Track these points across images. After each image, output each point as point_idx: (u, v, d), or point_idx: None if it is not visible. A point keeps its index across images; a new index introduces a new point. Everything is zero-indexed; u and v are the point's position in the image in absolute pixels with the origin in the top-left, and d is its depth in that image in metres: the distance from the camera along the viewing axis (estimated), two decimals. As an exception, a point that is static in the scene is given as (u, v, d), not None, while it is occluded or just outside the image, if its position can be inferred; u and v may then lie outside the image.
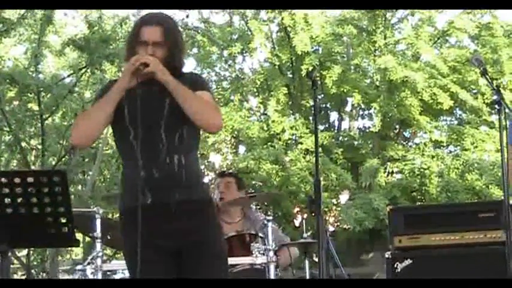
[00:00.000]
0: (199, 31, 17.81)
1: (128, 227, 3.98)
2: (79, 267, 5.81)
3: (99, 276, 5.60)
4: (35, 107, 14.49)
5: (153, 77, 3.91)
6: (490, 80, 4.64)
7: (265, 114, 17.20)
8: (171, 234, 3.88)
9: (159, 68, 3.89)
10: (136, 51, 3.96)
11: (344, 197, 16.81)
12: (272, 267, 5.66)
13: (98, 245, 5.66)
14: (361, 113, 18.18)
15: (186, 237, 3.90)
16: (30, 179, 3.86)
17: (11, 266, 14.15)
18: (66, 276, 14.49)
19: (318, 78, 4.93)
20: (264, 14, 16.86)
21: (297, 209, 16.51)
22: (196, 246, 3.91)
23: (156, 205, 3.85)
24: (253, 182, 15.50)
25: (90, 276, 5.62)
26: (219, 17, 18.06)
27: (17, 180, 3.85)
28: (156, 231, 3.83)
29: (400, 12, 16.97)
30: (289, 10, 15.79)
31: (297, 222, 16.45)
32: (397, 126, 17.68)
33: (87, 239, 6.07)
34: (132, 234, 3.87)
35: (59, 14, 15.35)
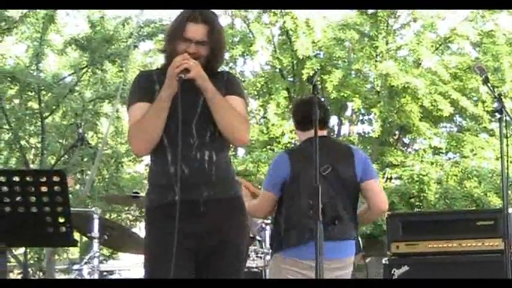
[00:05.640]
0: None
1: (153, 224, 3.92)
2: (76, 267, 5.80)
3: (96, 276, 5.60)
4: (35, 106, 14.51)
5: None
6: (491, 88, 4.63)
7: (265, 117, 17.18)
8: (196, 232, 3.79)
9: (199, 75, 3.80)
10: (178, 47, 3.88)
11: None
12: (268, 270, 5.65)
13: (95, 245, 5.66)
14: (361, 118, 18.16)
15: (211, 237, 3.82)
16: (29, 178, 3.86)
17: (8, 264, 14.14)
18: (63, 276, 14.49)
19: (319, 83, 4.92)
20: (266, 17, 16.85)
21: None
22: (220, 246, 3.84)
23: (184, 202, 3.69)
24: (252, 185, 15.45)
25: (87, 277, 5.61)
26: (220, 19, 18.06)
27: (15, 178, 3.84)
28: (182, 229, 3.65)
29: (403, 18, 16.97)
30: (292, 14, 15.78)
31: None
32: (397, 132, 17.66)
33: (84, 238, 6.05)
34: (157, 232, 3.84)
35: (61, 13, 15.37)
